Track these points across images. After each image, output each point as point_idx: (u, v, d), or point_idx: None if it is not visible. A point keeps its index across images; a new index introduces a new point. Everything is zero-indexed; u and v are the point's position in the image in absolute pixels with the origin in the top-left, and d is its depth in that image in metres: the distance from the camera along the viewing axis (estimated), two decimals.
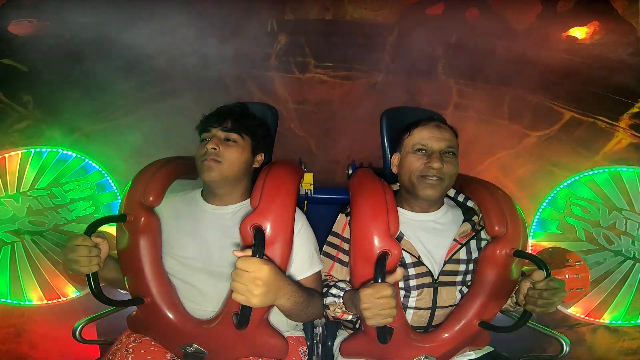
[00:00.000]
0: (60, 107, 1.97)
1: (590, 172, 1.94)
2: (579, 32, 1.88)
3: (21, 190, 1.79)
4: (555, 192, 1.97)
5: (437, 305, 1.08)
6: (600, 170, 1.94)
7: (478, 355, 1.12)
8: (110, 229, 1.39)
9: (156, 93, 2.09)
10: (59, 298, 1.79)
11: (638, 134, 1.99)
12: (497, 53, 2.02)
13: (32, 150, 1.82)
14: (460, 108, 2.14)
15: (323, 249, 1.18)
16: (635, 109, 1.96)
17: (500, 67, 2.04)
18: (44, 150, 1.83)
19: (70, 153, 1.84)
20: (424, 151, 1.09)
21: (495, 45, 2.00)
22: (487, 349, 1.14)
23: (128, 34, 1.87)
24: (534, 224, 1.99)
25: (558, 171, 2.08)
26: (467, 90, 2.13)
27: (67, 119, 1.98)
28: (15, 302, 1.77)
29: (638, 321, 1.87)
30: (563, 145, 2.11)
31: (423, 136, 1.09)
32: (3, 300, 1.76)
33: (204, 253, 1.08)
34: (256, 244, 0.85)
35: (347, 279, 1.11)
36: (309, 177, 1.45)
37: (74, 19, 1.82)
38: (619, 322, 1.89)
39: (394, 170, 1.18)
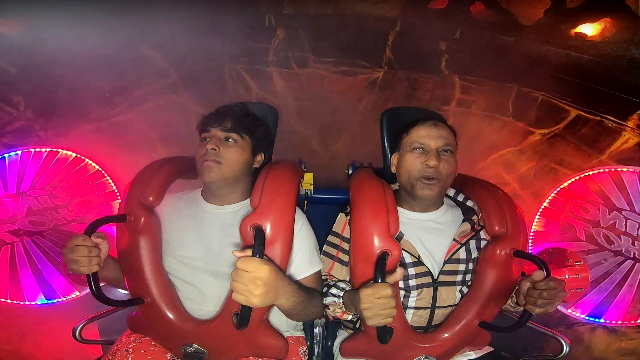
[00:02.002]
0: (52, 107, 1.92)
1: (590, 172, 1.93)
2: (589, 29, 1.79)
3: (21, 190, 1.79)
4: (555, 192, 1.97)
5: (437, 305, 1.08)
6: (600, 170, 1.93)
7: (478, 355, 1.12)
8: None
9: (152, 90, 2.03)
10: (59, 298, 1.79)
11: None
12: (503, 49, 1.96)
13: (32, 150, 1.81)
14: (463, 104, 2.10)
15: (323, 249, 1.18)
16: None
17: (506, 63, 1.98)
18: (43, 150, 1.83)
19: (70, 153, 1.84)
20: (421, 150, 1.09)
21: (502, 40, 1.94)
22: (487, 349, 1.14)
23: (122, 29, 1.80)
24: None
25: (562, 170, 2.05)
26: (471, 86, 2.08)
27: (61, 119, 1.94)
28: (15, 302, 1.77)
29: (638, 321, 1.87)
30: (568, 144, 2.06)
31: (420, 135, 1.10)
32: (3, 300, 1.76)
33: (204, 252, 1.08)
34: (256, 244, 0.85)
35: (347, 278, 1.11)
36: (309, 177, 1.45)
37: (63, 17, 1.72)
38: (619, 322, 1.88)
39: (393, 170, 1.18)
